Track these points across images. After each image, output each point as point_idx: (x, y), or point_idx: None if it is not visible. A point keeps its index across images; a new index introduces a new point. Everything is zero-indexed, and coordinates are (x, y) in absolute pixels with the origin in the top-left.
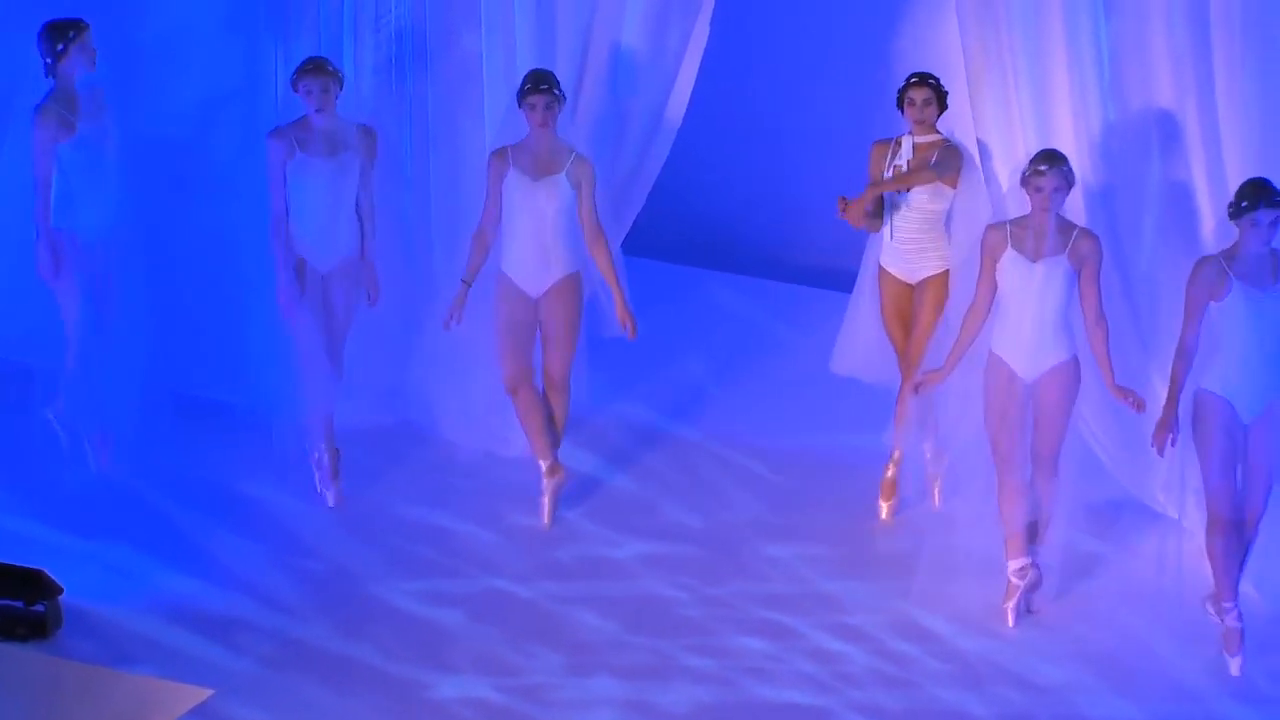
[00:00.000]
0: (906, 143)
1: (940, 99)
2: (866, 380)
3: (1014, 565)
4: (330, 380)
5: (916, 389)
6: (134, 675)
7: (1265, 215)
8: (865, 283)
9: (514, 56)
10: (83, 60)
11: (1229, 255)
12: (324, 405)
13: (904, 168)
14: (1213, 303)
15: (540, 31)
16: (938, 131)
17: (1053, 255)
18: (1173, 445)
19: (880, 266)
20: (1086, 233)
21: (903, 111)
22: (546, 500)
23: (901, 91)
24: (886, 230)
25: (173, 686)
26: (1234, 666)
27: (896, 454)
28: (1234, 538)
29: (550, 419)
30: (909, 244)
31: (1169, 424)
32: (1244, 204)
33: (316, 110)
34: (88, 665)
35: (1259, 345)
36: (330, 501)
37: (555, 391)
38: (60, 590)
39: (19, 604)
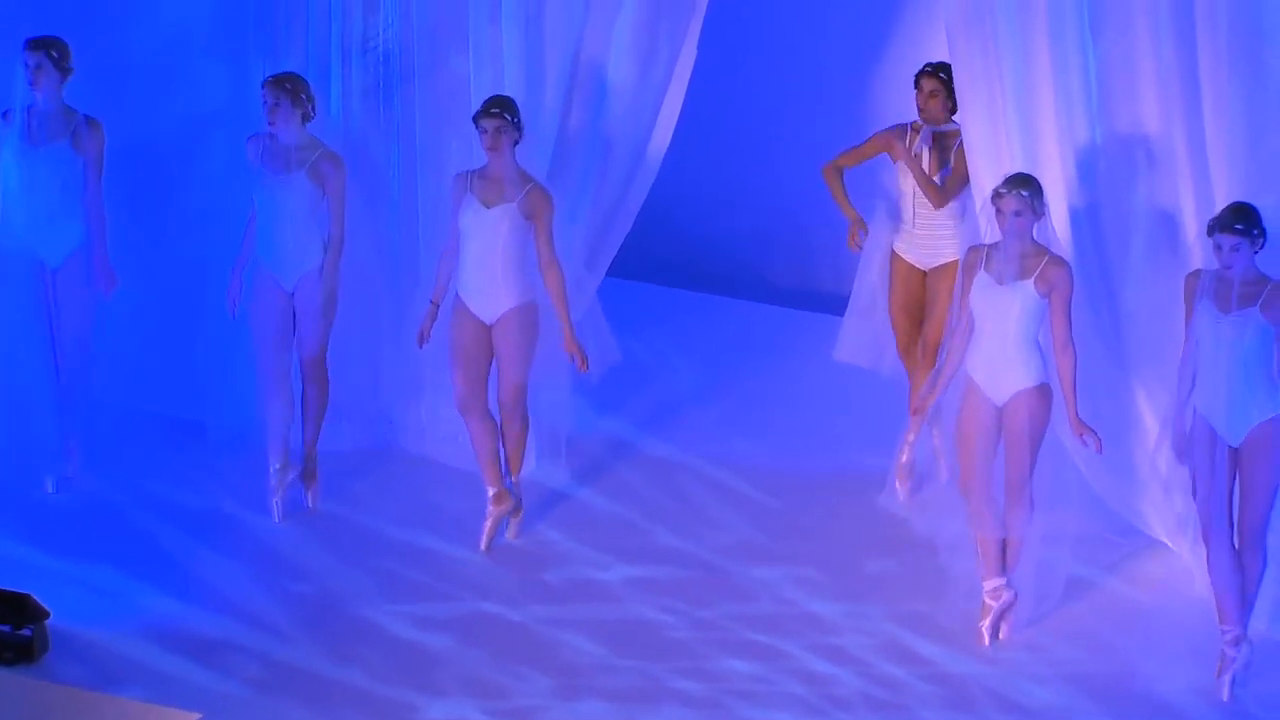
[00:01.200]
0: (925, 131)
1: (950, 93)
2: (867, 367)
3: (988, 586)
4: (281, 393)
5: (915, 412)
6: (122, 699)
7: (1224, 240)
8: (871, 270)
9: (502, 79)
10: (26, 78)
11: (1211, 273)
12: (275, 417)
13: (925, 154)
14: None
15: (528, 54)
16: (955, 123)
17: (1018, 280)
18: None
19: (894, 253)
20: (1057, 260)
21: None
22: (488, 525)
23: (916, 79)
24: (909, 217)
25: (161, 710)
26: (1223, 690)
27: (911, 437)
28: (1225, 559)
29: (517, 444)
30: (926, 231)
31: (1172, 439)
32: (1208, 224)
33: (268, 123)
34: (75, 689)
35: (1215, 366)
36: (274, 516)
37: (508, 417)
38: (47, 614)
39: (6, 628)
